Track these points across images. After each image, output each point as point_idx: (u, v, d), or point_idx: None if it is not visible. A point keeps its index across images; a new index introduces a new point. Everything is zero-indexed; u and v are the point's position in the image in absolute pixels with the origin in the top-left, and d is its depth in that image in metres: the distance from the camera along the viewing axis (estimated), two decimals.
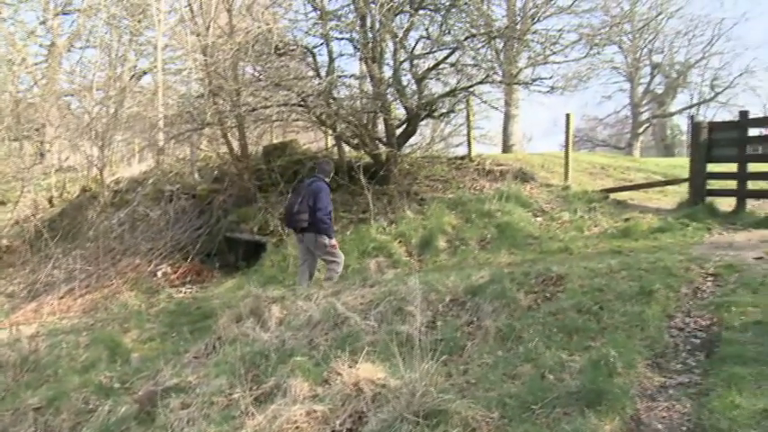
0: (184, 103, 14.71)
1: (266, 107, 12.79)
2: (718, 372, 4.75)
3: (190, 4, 14.75)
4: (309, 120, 13.43)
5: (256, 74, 13.33)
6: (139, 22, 19.62)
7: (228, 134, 14.52)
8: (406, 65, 12.70)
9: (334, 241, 9.35)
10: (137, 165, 20.05)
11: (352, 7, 12.53)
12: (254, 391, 5.83)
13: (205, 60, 13.37)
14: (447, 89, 13.06)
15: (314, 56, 13.08)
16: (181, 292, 12.09)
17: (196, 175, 16.07)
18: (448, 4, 12.36)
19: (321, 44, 13.11)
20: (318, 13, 12.65)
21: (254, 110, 13.01)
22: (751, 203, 11.07)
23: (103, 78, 19.57)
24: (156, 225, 14.07)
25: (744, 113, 11.69)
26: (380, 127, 13.54)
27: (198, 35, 14.22)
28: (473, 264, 9.14)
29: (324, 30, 12.47)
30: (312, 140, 17.93)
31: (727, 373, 4.63)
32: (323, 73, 12.79)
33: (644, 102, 42.23)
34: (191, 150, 16.82)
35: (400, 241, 10.96)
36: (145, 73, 22.64)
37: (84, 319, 11.08)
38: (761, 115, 41.04)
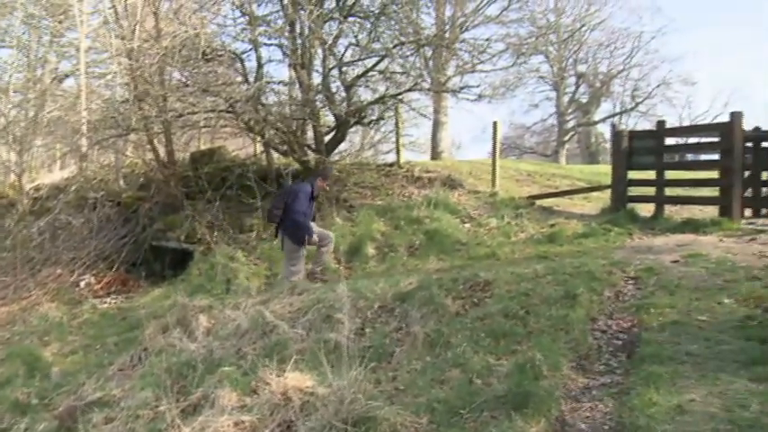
0: (109, 108, 14.34)
1: (193, 113, 12.60)
2: (637, 371, 4.92)
3: (114, 6, 14.41)
4: (237, 126, 13.30)
5: (183, 79, 13.12)
6: (60, 22, 19.01)
7: (155, 140, 14.23)
8: (336, 72, 12.72)
9: (315, 238, 9.33)
10: (58, 171, 19.39)
11: (281, 13, 12.49)
12: (180, 403, 5.73)
13: (130, 64, 13.08)
14: (376, 96, 13.12)
15: (242, 61, 12.96)
16: (105, 302, 11.75)
17: (121, 182, 15.69)
18: (377, 11, 12.44)
19: (250, 50, 13.00)
20: (247, 18, 12.54)
21: (181, 116, 12.79)
22: (668, 209, 11.50)
23: (21, 80, 18.89)
24: (78, 234, 13.64)
25: (661, 123, 12.14)
26: (309, 134, 13.49)
27: (123, 38, 13.89)
28: (402, 270, 9.20)
29: (252, 35, 12.37)
30: (241, 147, 17.71)
31: (646, 373, 4.80)
32: (251, 79, 12.68)
33: (569, 110, 43.28)
34: (115, 157, 16.39)
35: None
36: (67, 76, 21.96)
37: (0, 332, 10.66)
38: (677, 125, 42.66)
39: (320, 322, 6.85)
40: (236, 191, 12.94)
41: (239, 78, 13.11)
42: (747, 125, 10.93)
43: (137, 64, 12.89)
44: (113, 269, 12.76)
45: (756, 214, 11.05)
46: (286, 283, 9.16)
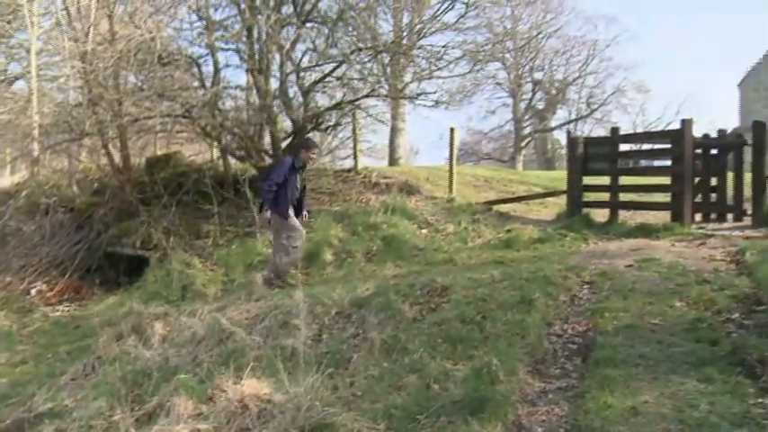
0: (61, 112, 14.07)
1: (149, 118, 12.45)
2: (592, 374, 4.98)
3: (67, 8, 14.15)
4: (194, 131, 13.20)
5: (139, 83, 12.97)
6: (9, 23, 18.61)
7: (110, 145, 14.01)
8: (293, 77, 12.71)
9: (267, 215, 9.05)
10: (8, 176, 19.00)
11: (238, 18, 12.43)
12: (135, 412, 5.63)
13: (84, 68, 12.86)
14: (333, 102, 13.13)
15: (199, 66, 12.87)
16: (57, 310, 11.50)
17: (75, 188, 15.39)
18: (335, 17, 12.46)
19: (207, 54, 12.92)
20: (204, 22, 12.45)
21: (136, 120, 12.63)
22: (623, 214, 11.70)
23: None
24: (29, 240, 13.34)
25: (615, 130, 12.38)
26: (267, 139, 13.42)
27: (76, 41, 13.65)
28: (359, 276, 9.19)
29: (209, 40, 12.29)
30: (197, 152, 17.54)
31: (600, 376, 4.86)
32: (208, 84, 12.59)
33: (526, 117, 43.86)
34: (69, 161, 16.09)
35: None
36: (17, 78, 21.49)
37: None
38: (631, 131, 43.51)
39: (277, 329, 6.80)
40: (193, 196, 12.81)
41: (196, 83, 13.01)
42: (699, 131, 11.20)
43: (90, 67, 12.68)
44: (66, 276, 12.51)
45: (706, 219, 11.33)
46: (273, 270, 9.09)
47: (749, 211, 10.58)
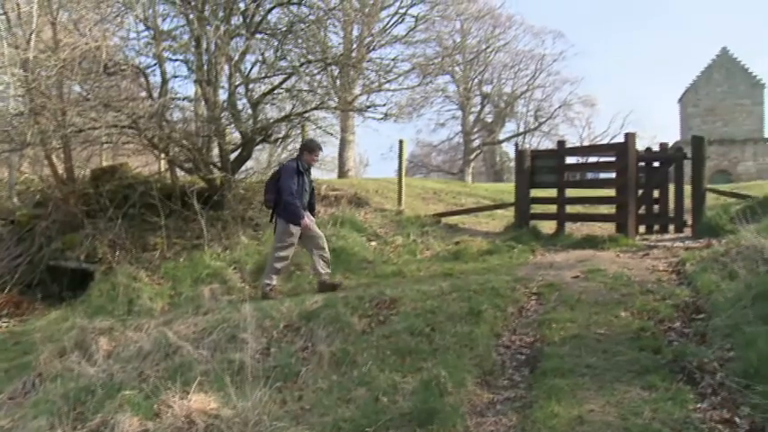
0: (1, 122, 13.70)
1: (95, 128, 12.17)
2: (540, 385, 5.05)
3: (6, 14, 13.79)
4: (141, 143, 12.94)
5: (84, 93, 12.68)
6: None
7: (53, 156, 13.67)
8: (242, 89, 12.61)
9: (308, 221, 8.83)
10: None
11: (187, 28, 12.28)
12: (78, 431, 5.50)
13: (25, 76, 12.54)
14: (283, 114, 13.06)
15: (146, 76, 12.66)
16: None
17: (15, 200, 14.97)
18: (284, 29, 12.42)
19: (154, 65, 12.72)
20: (151, 32, 12.27)
21: (81, 131, 12.34)
22: (569, 226, 11.90)
23: None
24: None
25: (561, 143, 12.60)
26: (215, 151, 13.27)
27: (17, 48, 13.31)
28: (308, 289, 9.14)
29: (157, 50, 12.11)
30: (144, 164, 17.24)
31: (548, 386, 4.94)
32: (155, 94, 12.40)
33: (475, 129, 44.34)
34: (9, 172, 15.65)
35: (235, 267, 10.77)
36: None
37: None
38: (578, 144, 44.33)
39: (225, 342, 6.73)
40: (140, 209, 12.56)
41: (143, 94, 12.81)
42: (644, 145, 11.48)
43: (32, 75, 12.36)
44: (5, 291, 12.13)
45: (649, 230, 11.58)
46: (271, 270, 8.87)
47: (689, 222, 10.85)
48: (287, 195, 8.71)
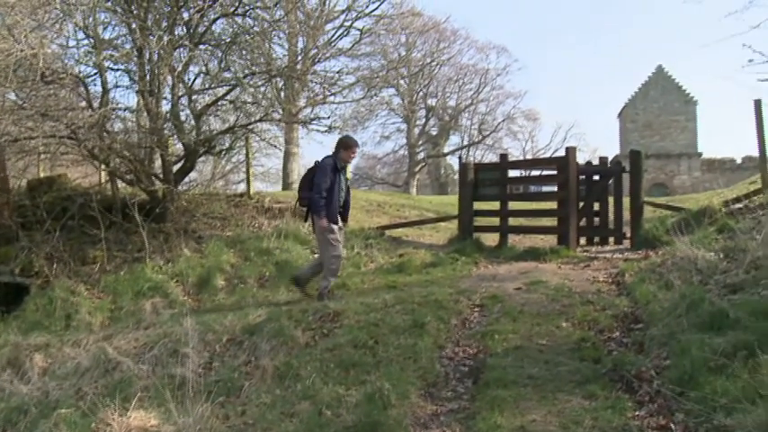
0: None
1: (31, 138, 11.85)
2: (483, 396, 5.10)
3: None
4: (80, 153, 12.64)
5: (20, 101, 12.34)
6: None
7: None
8: (185, 100, 12.45)
9: (324, 222, 8.56)
10: None
11: (128, 38, 12.07)
12: None
13: None
14: (226, 126, 12.94)
15: (86, 86, 12.37)
16: None
17: None
18: (229, 40, 12.32)
19: (95, 74, 12.44)
20: (92, 41, 12.03)
21: (16, 140, 12.00)
22: (512, 238, 12.06)
23: None
24: None
25: (503, 156, 12.76)
26: (158, 162, 13.07)
27: None
28: (252, 302, 9.05)
29: (97, 59, 11.85)
30: (84, 175, 16.85)
31: (491, 397, 4.99)
32: (96, 104, 12.13)
33: (420, 142, 44.68)
34: None
35: (177, 281, 10.59)
36: None
37: None
38: (521, 158, 45.02)
39: (167, 357, 6.62)
40: (79, 221, 12.25)
41: (83, 103, 12.50)
42: (588, 158, 11.72)
43: None
44: None
45: (590, 242, 11.81)
46: (330, 278, 8.67)
47: (628, 234, 11.10)
48: (315, 192, 8.56)
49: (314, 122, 13.53)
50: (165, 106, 12.32)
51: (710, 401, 4.13)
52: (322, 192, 8.55)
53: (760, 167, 10.30)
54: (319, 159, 8.88)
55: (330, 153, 8.91)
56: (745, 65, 5.45)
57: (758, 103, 10.00)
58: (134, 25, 11.58)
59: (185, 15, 11.89)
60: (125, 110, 12.98)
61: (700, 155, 43.01)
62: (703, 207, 10.06)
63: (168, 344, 6.84)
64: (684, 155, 42.67)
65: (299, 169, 22.62)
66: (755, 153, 10.47)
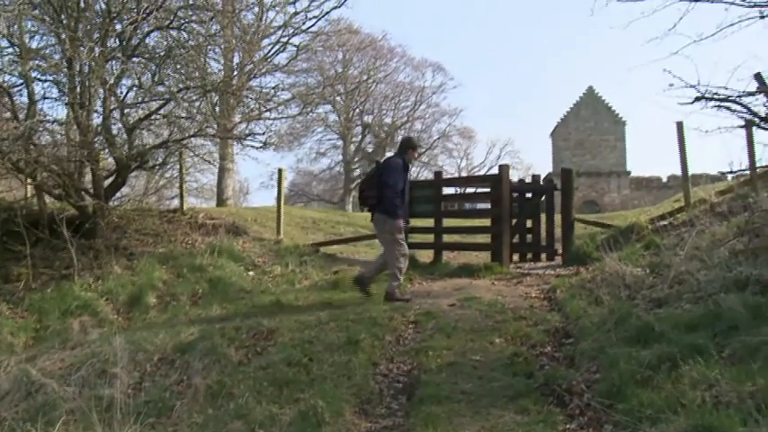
0: None
1: None
2: (417, 412, 5.11)
3: None
4: (4, 167, 12.22)
5: None
6: None
7: None
8: (117, 113, 12.19)
9: (400, 223, 8.64)
10: None
11: (58, 48, 11.77)
12: None
13: None
14: (160, 141, 12.73)
15: (11, 96, 11.98)
16: None
17: None
18: (163, 54, 12.14)
19: (20, 84, 12.07)
20: (17, 49, 11.67)
21: None
22: (446, 255, 12.15)
23: None
24: None
25: (438, 174, 12.89)
26: (88, 177, 12.74)
27: None
28: (184, 320, 8.88)
29: (23, 69, 11.52)
30: (9, 189, 16.30)
31: (425, 413, 5.01)
32: (22, 116, 11.76)
33: (356, 159, 44.78)
34: None
35: (107, 299, 10.31)
36: None
37: None
38: (456, 175, 45.53)
39: (94, 378, 6.42)
40: (2, 237, 11.84)
41: (7, 114, 12.10)
42: (521, 175, 11.92)
43: None
44: None
45: (523, 258, 11.99)
46: (398, 275, 8.69)
47: (560, 251, 11.32)
48: (390, 192, 8.56)
49: (249, 138, 13.46)
50: (96, 119, 12.04)
51: (637, 412, 4.23)
52: (397, 191, 8.64)
53: (683, 186, 10.66)
54: (386, 160, 9.13)
55: (394, 154, 9.19)
56: (667, 89, 5.66)
57: (680, 125, 10.36)
58: (63, 35, 11.28)
59: (118, 27, 11.67)
60: (54, 122, 12.61)
61: (628, 173, 44.31)
62: (631, 224, 10.34)
63: (96, 364, 6.64)
64: (614, 173, 43.89)
65: (233, 185, 22.41)
66: (680, 172, 10.82)
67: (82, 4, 11.38)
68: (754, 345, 4.41)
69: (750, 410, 3.65)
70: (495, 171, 11.37)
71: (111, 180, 12.68)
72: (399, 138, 47.25)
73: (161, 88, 12.18)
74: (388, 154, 47.91)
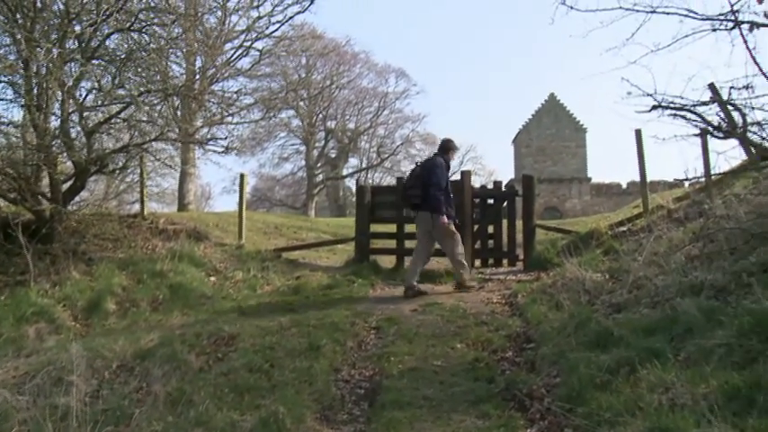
0: None
1: None
2: (379, 418, 5.12)
3: None
4: None
5: None
6: None
7: None
8: (76, 116, 11.98)
9: (445, 218, 9.15)
10: None
11: (13, 48, 11.53)
12: None
13: None
14: (120, 145, 12.55)
15: None
16: None
17: None
18: (123, 56, 11.97)
19: None
20: None
21: None
22: (408, 260, 12.13)
23: None
24: None
25: (400, 179, 12.89)
26: (45, 181, 12.50)
27: None
28: (144, 326, 8.76)
29: None
30: None
31: (387, 419, 5.02)
32: None
33: (319, 164, 44.70)
34: None
35: (65, 305, 10.08)
36: None
37: None
38: None
39: (50, 386, 6.27)
40: None
41: None
42: (483, 181, 12.01)
43: None
44: None
45: (485, 264, 12.07)
46: (465, 265, 9.41)
47: (521, 256, 11.42)
48: (436, 190, 9.08)
49: (211, 143, 13.36)
50: (54, 122, 11.82)
51: (596, 416, 4.28)
52: (441, 189, 9.18)
53: (641, 192, 10.86)
54: (429, 159, 9.64)
55: (435, 153, 9.78)
56: (625, 97, 5.78)
57: (639, 133, 10.55)
58: (19, 36, 11.06)
59: (77, 28, 11.46)
60: (9, 124, 12.36)
61: (589, 180, 44.92)
62: (591, 230, 10.50)
63: (52, 372, 6.50)
64: (575, 179, 44.46)
65: (195, 190, 22.21)
66: (639, 178, 11.00)
67: (39, 5, 11.16)
68: (708, 347, 4.49)
69: (704, 412, 3.72)
70: (457, 177, 11.41)
71: (69, 184, 12.45)
72: (362, 143, 47.55)
73: (121, 91, 12.00)
74: (352, 160, 48.08)
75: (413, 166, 10.23)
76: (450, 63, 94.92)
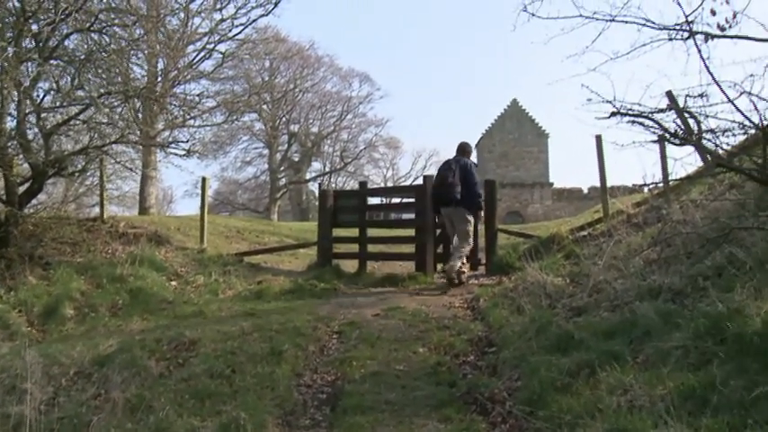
0: None
1: None
2: (341, 423, 5.12)
3: None
4: None
5: None
6: None
7: None
8: (33, 117, 11.76)
9: (481, 214, 10.55)
10: None
11: None
12: None
13: None
14: (79, 147, 12.35)
15: None
16: None
17: None
18: (83, 57, 11.79)
19: None
20: None
21: None
22: (371, 265, 12.16)
23: None
24: None
25: (363, 184, 12.93)
26: (0, 183, 12.25)
27: None
28: (103, 332, 8.64)
29: None
30: None
31: (348, 423, 5.02)
32: None
33: (282, 168, 44.48)
34: None
35: (20, 310, 9.88)
36: None
37: None
38: (382, 185, 45.77)
39: (3, 395, 6.14)
40: None
41: None
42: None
43: None
44: None
45: None
46: (462, 255, 10.04)
47: (483, 261, 11.47)
48: (476, 189, 10.27)
49: (172, 146, 13.21)
50: (10, 123, 11.60)
51: (557, 419, 4.33)
52: (479, 189, 10.35)
53: (602, 197, 10.98)
54: (457, 160, 10.43)
55: (456, 155, 10.64)
56: (585, 103, 5.85)
57: (599, 139, 10.69)
58: None
59: (34, 27, 11.26)
60: None
61: (551, 185, 45.42)
62: (552, 235, 10.58)
63: (6, 380, 6.36)
64: (537, 184, 44.92)
65: (156, 193, 21.95)
66: (599, 184, 11.14)
67: None
68: (665, 350, 4.57)
69: (661, 413, 3.78)
70: (420, 181, 11.47)
71: (26, 186, 12.22)
72: (326, 147, 47.47)
73: (81, 93, 11.83)
74: (315, 164, 47.91)
75: (442, 164, 10.98)
76: (417, 67, 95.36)
